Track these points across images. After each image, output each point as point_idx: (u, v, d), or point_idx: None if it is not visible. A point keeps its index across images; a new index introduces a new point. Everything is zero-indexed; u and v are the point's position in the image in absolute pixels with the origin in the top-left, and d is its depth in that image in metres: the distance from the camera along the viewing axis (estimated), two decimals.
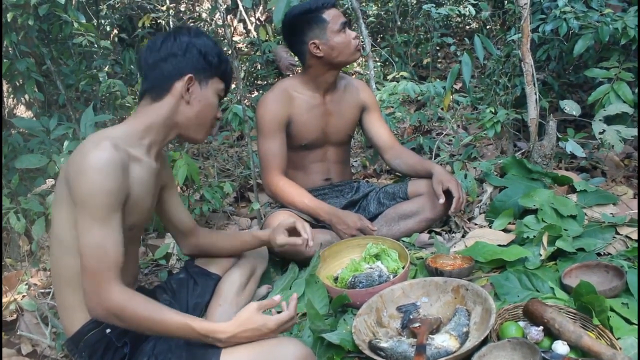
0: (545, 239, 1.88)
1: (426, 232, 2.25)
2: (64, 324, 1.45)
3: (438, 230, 2.28)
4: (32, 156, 2.16)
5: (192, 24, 5.08)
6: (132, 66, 3.59)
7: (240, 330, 1.27)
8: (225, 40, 3.00)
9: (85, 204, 1.25)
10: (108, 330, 1.40)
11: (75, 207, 1.27)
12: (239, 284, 1.78)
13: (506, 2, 2.87)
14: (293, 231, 1.79)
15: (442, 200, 2.08)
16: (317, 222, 2.16)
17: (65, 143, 2.19)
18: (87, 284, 1.25)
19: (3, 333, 1.95)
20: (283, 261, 2.15)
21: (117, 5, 4.58)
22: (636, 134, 2.24)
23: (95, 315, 1.28)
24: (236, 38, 5.50)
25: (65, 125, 2.34)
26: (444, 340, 1.43)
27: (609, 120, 2.31)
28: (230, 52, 2.51)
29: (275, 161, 2.18)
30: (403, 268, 1.82)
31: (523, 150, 2.68)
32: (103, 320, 1.29)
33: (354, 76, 4.63)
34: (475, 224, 2.30)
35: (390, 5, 5.02)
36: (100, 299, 1.24)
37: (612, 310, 1.47)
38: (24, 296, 2.13)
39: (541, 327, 1.42)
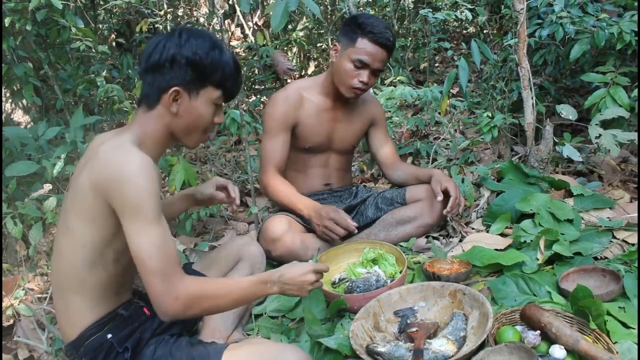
0: (542, 243, 1.89)
1: (423, 236, 2.25)
2: (62, 329, 1.44)
3: (435, 234, 2.28)
4: (21, 163, 2.14)
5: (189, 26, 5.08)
6: (129, 71, 3.60)
7: (286, 271, 1.42)
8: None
9: (136, 210, 1.23)
10: (109, 336, 1.39)
11: (122, 215, 1.25)
12: None
13: (503, 7, 2.88)
14: (223, 190, 1.79)
15: (440, 197, 2.09)
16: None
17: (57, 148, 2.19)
18: (157, 285, 1.23)
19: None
20: (280, 266, 2.13)
21: (114, 10, 4.58)
22: (632, 138, 2.25)
23: (172, 314, 1.26)
24: (234, 43, 5.51)
25: (54, 128, 2.33)
26: (441, 345, 1.43)
27: (606, 124, 2.32)
28: None
29: (273, 159, 2.18)
30: (400, 272, 1.83)
31: (520, 155, 2.69)
32: (180, 315, 1.27)
33: None
34: (473, 229, 2.30)
35: (387, 9, 5.04)
36: (178, 294, 1.24)
37: (609, 314, 1.48)
38: (20, 301, 2.13)
39: (538, 332, 1.42)
